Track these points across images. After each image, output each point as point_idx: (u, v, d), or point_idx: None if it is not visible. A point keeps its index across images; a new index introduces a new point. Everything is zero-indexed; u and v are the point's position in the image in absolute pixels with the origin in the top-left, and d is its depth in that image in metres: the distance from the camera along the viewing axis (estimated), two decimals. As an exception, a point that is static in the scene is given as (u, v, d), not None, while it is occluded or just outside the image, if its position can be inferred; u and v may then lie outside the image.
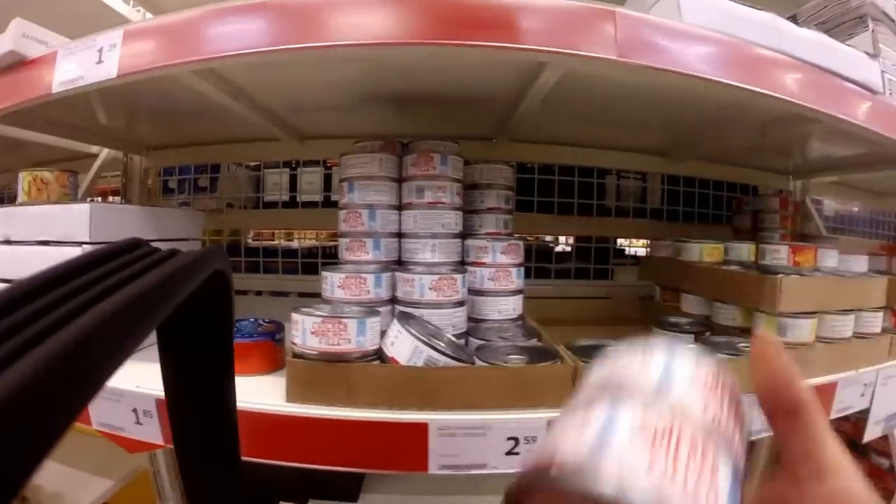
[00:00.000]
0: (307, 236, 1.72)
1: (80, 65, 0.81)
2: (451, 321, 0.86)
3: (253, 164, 1.65)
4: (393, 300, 0.89)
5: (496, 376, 0.73)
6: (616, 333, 0.90)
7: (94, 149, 1.65)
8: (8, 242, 0.97)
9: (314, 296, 1.37)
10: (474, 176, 1.04)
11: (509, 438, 0.71)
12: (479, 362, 0.77)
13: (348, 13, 0.69)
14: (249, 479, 1.38)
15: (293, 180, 1.59)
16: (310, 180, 1.56)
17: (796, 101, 0.80)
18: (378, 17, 0.68)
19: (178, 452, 0.45)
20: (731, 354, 0.87)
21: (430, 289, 0.84)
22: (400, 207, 0.97)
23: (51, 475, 1.46)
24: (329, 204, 1.55)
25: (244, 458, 0.72)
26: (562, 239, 1.75)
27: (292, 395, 0.74)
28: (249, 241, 1.73)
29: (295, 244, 1.67)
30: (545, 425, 0.71)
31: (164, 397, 0.44)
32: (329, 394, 0.73)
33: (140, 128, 1.45)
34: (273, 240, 1.74)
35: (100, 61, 0.79)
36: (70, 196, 1.22)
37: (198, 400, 0.44)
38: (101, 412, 0.80)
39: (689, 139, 1.37)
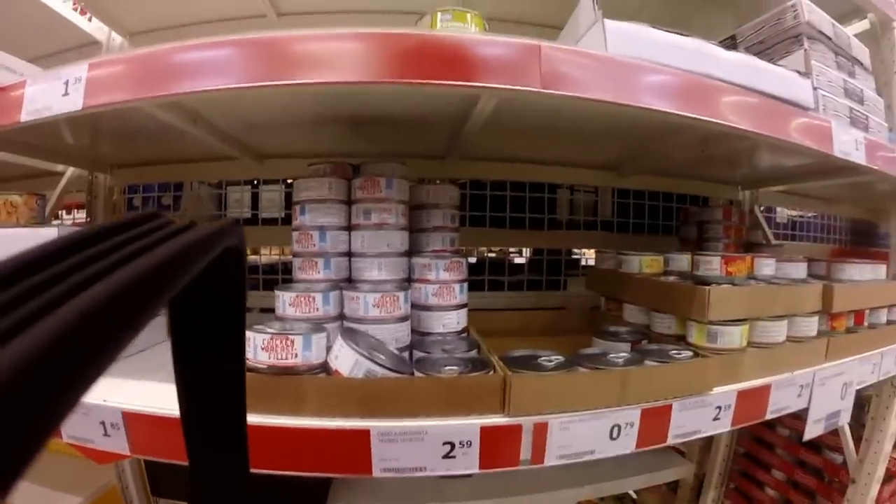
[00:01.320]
0: (270, 252, 1.74)
1: (47, 96, 0.85)
2: (394, 335, 0.91)
3: (215, 182, 1.68)
4: (341, 316, 0.94)
5: (430, 386, 0.79)
6: (560, 343, 0.96)
7: (59, 167, 1.67)
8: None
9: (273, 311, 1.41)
10: (421, 196, 1.09)
11: (445, 443, 0.76)
12: (417, 374, 0.82)
13: (311, 54, 0.74)
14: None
15: (255, 198, 1.62)
16: (270, 198, 1.60)
17: (723, 123, 0.86)
18: (338, 56, 0.73)
19: (185, 430, 0.44)
20: (661, 361, 0.92)
21: (374, 306, 0.89)
22: (349, 228, 1.02)
23: (20, 494, 1.47)
24: (289, 221, 1.57)
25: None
26: (522, 251, 1.80)
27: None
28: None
29: (252, 260, 1.70)
30: (478, 431, 0.77)
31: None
32: (278, 404, 0.77)
33: (104, 148, 1.48)
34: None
35: (66, 94, 0.83)
36: (37, 219, 1.25)
37: (206, 376, 0.43)
38: (70, 425, 0.83)
39: (634, 155, 1.44)
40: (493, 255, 1.76)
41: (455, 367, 0.84)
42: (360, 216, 0.99)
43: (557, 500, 1.39)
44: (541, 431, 0.80)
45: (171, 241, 0.30)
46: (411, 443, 0.76)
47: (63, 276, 0.22)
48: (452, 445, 0.77)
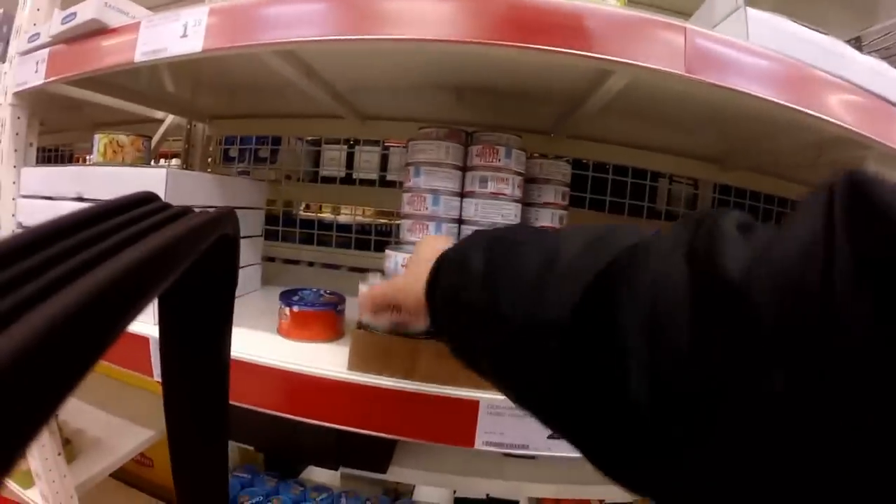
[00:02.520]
0: (362, 213, 1.76)
1: (164, 37, 0.87)
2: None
3: (311, 139, 1.70)
4: (450, 283, 0.93)
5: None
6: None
7: (158, 114, 1.72)
8: (80, 199, 1.02)
9: (365, 270, 1.42)
10: (534, 170, 1.07)
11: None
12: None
13: (418, 10, 0.72)
14: (285, 440, 1.45)
15: (350, 158, 1.63)
16: (367, 159, 1.60)
17: (849, 127, 0.81)
18: (445, 13, 0.71)
19: (166, 412, 0.45)
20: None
21: (488, 275, 0.88)
22: (462, 195, 1.01)
23: (93, 421, 1.54)
24: (384, 184, 1.59)
25: (305, 420, 0.78)
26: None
27: (354, 365, 0.79)
28: (301, 212, 1.78)
29: (346, 219, 1.72)
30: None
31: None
32: (389, 366, 0.78)
33: (205, 98, 1.52)
34: (323, 213, 1.79)
35: (184, 35, 0.84)
36: (143, 160, 1.28)
37: (193, 362, 0.44)
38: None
39: (742, 149, 1.38)
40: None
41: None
42: (476, 183, 0.98)
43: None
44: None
45: (168, 227, 0.30)
46: (518, 419, 0.75)
47: (54, 261, 0.22)
48: (558, 425, 0.75)
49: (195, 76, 1.26)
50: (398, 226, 1.07)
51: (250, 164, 1.74)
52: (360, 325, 0.80)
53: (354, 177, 1.61)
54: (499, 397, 0.75)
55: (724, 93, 0.74)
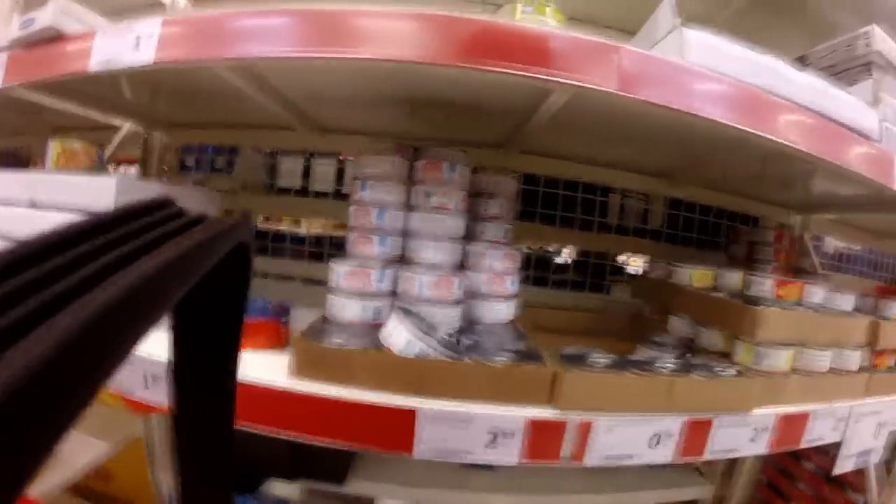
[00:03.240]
0: (315, 225, 1.76)
1: (117, 48, 0.87)
2: (446, 319, 0.91)
3: (269, 150, 1.70)
4: (393, 294, 0.94)
5: (482, 372, 0.79)
6: (602, 346, 0.95)
7: (116, 121, 1.70)
8: (33, 206, 1.02)
9: (319, 283, 1.42)
10: (480, 184, 1.09)
11: (490, 431, 0.77)
12: (466, 359, 0.82)
13: (375, 30, 0.74)
14: (238, 454, 1.42)
15: (307, 170, 1.63)
16: (323, 171, 1.61)
17: (789, 144, 0.84)
18: (401, 35, 0.73)
19: (175, 423, 0.44)
20: (707, 375, 0.91)
21: (429, 287, 0.89)
22: (408, 208, 1.02)
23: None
24: (340, 196, 1.60)
25: (246, 426, 0.78)
26: (563, 250, 1.78)
27: (297, 372, 0.80)
28: (258, 224, 1.77)
29: (302, 231, 1.72)
30: (524, 422, 0.77)
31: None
32: (328, 374, 0.79)
33: (162, 106, 1.50)
34: (281, 225, 1.79)
35: (137, 47, 0.85)
36: (96, 168, 1.27)
37: (202, 368, 0.43)
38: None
39: (691, 164, 1.42)
40: (538, 251, 1.74)
41: (504, 357, 0.83)
42: (421, 197, 0.99)
43: (575, 504, 1.39)
44: (585, 429, 0.80)
45: (186, 235, 0.29)
46: (457, 427, 0.76)
47: (71, 268, 0.21)
48: (496, 434, 0.77)
49: (152, 85, 1.26)
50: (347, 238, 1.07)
51: (207, 173, 1.74)
52: (303, 335, 0.82)
53: (310, 189, 1.62)
54: (439, 405, 0.76)
55: (663, 111, 0.77)
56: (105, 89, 1.29)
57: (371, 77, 0.99)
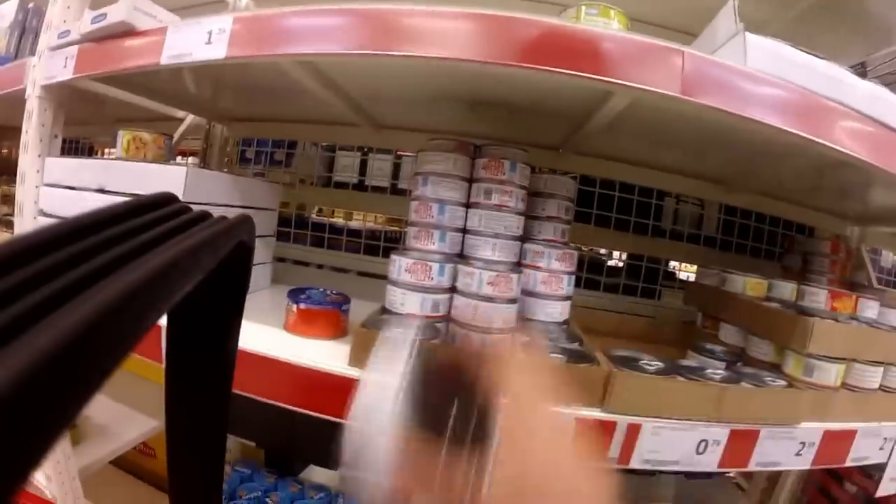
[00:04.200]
0: (371, 219, 1.79)
1: (189, 43, 0.91)
2: (502, 316, 0.93)
3: (326, 145, 1.74)
4: (452, 289, 0.96)
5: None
6: (653, 351, 0.95)
7: (179, 113, 1.77)
8: (102, 191, 1.07)
9: (373, 276, 1.46)
10: (538, 184, 1.10)
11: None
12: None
13: (438, 29, 0.76)
14: (285, 438, 1.47)
15: (363, 165, 1.67)
16: (380, 167, 1.64)
17: (849, 153, 0.83)
18: (464, 34, 0.75)
19: (168, 422, 0.45)
20: (756, 385, 0.90)
21: (488, 283, 0.91)
22: (467, 205, 1.04)
23: (100, 408, 1.57)
24: (395, 191, 1.63)
25: (305, 411, 0.81)
26: (615, 254, 1.78)
27: (354, 360, 0.83)
28: (313, 216, 1.82)
29: (357, 224, 1.76)
30: (572, 422, 0.78)
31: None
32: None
33: (225, 101, 1.57)
34: (334, 217, 1.83)
35: (209, 42, 0.89)
36: (164, 157, 1.33)
37: (198, 367, 0.43)
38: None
39: (747, 170, 1.40)
40: (591, 253, 1.74)
41: (557, 357, 0.85)
42: (481, 195, 1.01)
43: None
44: (633, 432, 0.81)
45: (189, 232, 0.29)
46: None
47: (72, 262, 0.21)
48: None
49: (217, 79, 1.31)
50: (406, 232, 1.10)
51: (266, 166, 1.80)
52: (364, 325, 0.84)
53: (367, 183, 1.66)
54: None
55: (722, 115, 0.77)
56: (170, 83, 1.35)
57: (431, 76, 1.02)
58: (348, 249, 1.65)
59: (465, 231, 1.05)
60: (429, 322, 0.92)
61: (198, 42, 0.90)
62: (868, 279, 1.77)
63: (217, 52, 0.88)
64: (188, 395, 0.44)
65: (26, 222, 1.25)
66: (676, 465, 0.84)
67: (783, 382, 0.93)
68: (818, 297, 1.13)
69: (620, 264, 1.73)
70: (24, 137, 1.26)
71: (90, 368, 0.18)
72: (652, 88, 0.75)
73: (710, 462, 0.85)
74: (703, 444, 0.84)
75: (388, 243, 1.63)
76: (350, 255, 1.64)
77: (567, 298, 1.04)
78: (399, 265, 0.94)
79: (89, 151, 2.56)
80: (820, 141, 0.81)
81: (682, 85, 0.75)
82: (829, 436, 0.93)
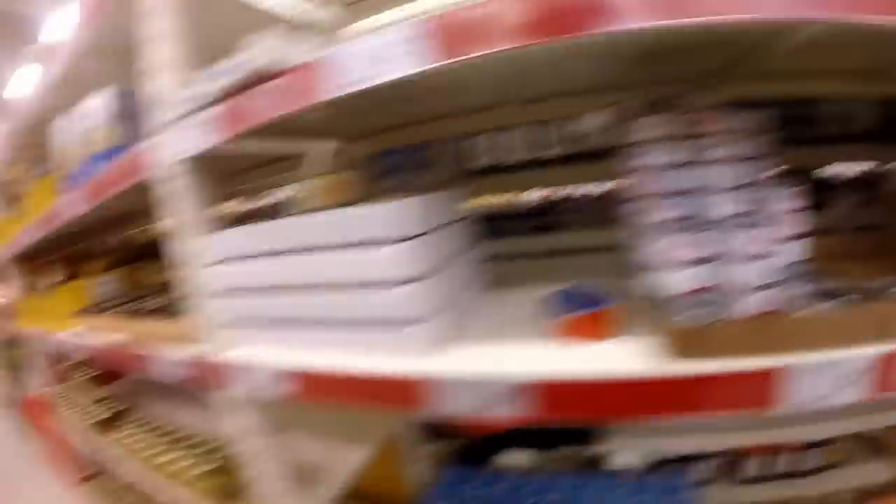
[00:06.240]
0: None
1: (369, 63, 0.84)
2: (762, 273, 0.89)
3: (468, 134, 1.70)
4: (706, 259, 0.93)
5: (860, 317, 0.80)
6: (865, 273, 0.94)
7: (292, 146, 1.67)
8: (314, 250, 1.07)
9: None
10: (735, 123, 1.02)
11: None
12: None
13: None
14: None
15: (512, 142, 1.63)
16: (538, 138, 1.61)
17: None
18: None
19: None
20: None
21: (742, 243, 0.90)
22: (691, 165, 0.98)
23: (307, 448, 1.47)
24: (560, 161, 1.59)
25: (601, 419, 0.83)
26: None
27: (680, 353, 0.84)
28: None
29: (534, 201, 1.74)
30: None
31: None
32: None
33: (365, 117, 1.48)
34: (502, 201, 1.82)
35: (406, 54, 0.81)
36: (360, 194, 1.32)
37: None
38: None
39: None
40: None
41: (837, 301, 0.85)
42: (704, 152, 0.95)
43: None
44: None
45: None
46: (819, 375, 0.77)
47: None
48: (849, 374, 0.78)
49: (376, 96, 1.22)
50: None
51: (408, 175, 1.71)
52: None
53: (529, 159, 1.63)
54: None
55: None
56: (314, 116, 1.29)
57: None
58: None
59: (695, 192, 0.98)
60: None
61: (384, 58, 0.82)
62: None
63: (414, 64, 0.80)
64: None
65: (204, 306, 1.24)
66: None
67: None
68: None
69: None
70: (169, 219, 1.21)
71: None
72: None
73: None
74: None
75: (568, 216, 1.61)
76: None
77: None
78: (660, 247, 0.93)
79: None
80: None
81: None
82: None
